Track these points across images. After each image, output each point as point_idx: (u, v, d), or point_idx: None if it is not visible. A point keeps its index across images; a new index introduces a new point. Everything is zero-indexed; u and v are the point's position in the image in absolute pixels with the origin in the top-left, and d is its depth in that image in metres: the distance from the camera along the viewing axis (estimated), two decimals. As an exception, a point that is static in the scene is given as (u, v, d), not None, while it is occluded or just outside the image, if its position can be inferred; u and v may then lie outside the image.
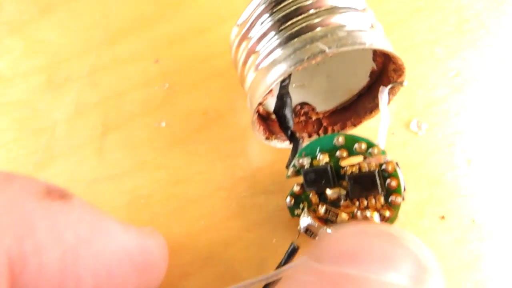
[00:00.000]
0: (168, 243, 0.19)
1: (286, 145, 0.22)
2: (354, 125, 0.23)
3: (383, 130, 0.19)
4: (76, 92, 0.26)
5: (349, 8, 0.19)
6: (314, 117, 0.24)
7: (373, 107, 0.23)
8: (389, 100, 0.22)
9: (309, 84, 0.24)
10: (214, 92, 0.25)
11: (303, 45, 0.18)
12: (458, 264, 0.22)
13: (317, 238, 0.19)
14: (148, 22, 0.28)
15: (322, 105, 0.24)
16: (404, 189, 0.20)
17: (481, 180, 0.23)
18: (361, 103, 0.23)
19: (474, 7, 0.28)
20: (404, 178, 0.23)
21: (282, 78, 0.18)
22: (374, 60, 0.22)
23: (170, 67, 0.26)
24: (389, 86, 0.21)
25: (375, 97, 0.23)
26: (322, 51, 0.17)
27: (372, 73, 0.23)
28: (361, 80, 0.23)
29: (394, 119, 0.24)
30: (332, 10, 0.19)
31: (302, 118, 0.24)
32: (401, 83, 0.21)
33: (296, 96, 0.23)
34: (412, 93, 0.25)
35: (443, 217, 0.22)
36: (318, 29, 0.18)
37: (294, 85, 0.23)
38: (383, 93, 0.20)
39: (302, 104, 0.24)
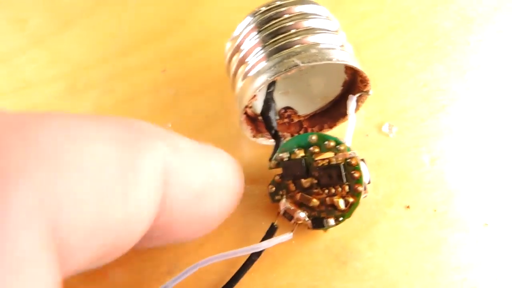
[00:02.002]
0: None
1: (271, 142, 0.25)
2: (330, 127, 0.27)
3: (350, 131, 0.23)
4: (94, 97, 0.29)
5: (323, 29, 0.23)
6: (296, 120, 0.27)
7: (346, 112, 0.26)
8: (358, 106, 0.25)
9: (292, 91, 0.27)
10: (214, 97, 0.29)
11: (281, 60, 0.22)
12: (420, 247, 0.24)
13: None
14: (156, 36, 0.31)
15: (303, 110, 0.27)
16: (369, 182, 0.23)
17: (442, 176, 0.26)
18: (336, 109, 0.27)
19: (444, 25, 0.31)
20: (376, 173, 0.26)
21: (264, 86, 0.22)
22: (345, 72, 0.25)
23: (176, 75, 0.30)
24: (357, 95, 0.24)
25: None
26: (296, 65, 0.21)
27: (344, 83, 0.26)
28: (336, 89, 0.26)
29: (368, 123, 0.27)
30: (309, 30, 0.22)
31: (286, 120, 0.27)
32: (367, 92, 0.24)
33: (281, 101, 0.27)
34: (385, 100, 0.28)
35: (408, 207, 0.25)
36: (297, 46, 0.22)
37: (280, 92, 0.27)
38: (351, 101, 0.24)
39: (286, 108, 0.27)
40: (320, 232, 0.24)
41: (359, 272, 0.24)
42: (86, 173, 0.13)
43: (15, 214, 0.11)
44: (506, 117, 0.28)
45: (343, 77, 0.26)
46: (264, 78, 0.22)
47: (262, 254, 0.23)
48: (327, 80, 0.27)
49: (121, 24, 0.32)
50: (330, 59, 0.22)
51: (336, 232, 0.25)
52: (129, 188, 0.14)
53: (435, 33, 0.31)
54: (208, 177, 0.17)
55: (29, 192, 0.11)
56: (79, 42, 0.31)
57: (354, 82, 0.25)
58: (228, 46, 0.25)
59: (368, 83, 0.24)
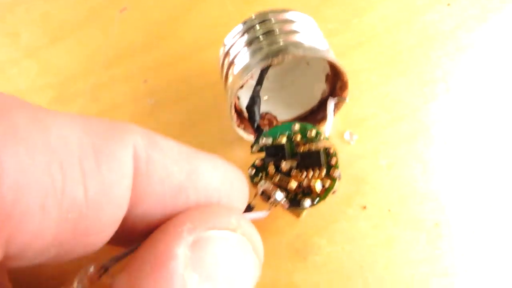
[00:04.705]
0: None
1: (250, 138, 0.29)
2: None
3: (328, 126, 0.26)
4: (80, 105, 0.33)
5: (309, 33, 0.26)
6: (274, 123, 0.30)
7: (321, 118, 0.30)
8: (334, 113, 0.28)
9: (273, 98, 0.31)
10: (190, 107, 0.32)
11: (268, 52, 0.25)
12: (375, 243, 0.27)
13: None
14: (139, 50, 0.35)
15: (283, 115, 0.31)
16: (339, 178, 0.25)
17: (398, 180, 0.29)
18: (313, 117, 0.30)
19: (407, 42, 0.34)
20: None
21: (249, 76, 0.25)
22: (326, 81, 0.29)
23: (156, 86, 0.33)
24: (336, 98, 0.28)
25: (323, 111, 0.29)
26: (280, 51, 0.24)
27: (323, 93, 0.29)
28: (315, 98, 0.30)
29: (331, 131, 0.30)
30: (295, 32, 0.25)
31: (265, 123, 0.30)
32: (344, 99, 0.28)
33: (263, 107, 0.30)
34: (348, 110, 0.31)
35: (365, 207, 0.28)
36: (281, 42, 0.25)
37: (263, 99, 0.30)
38: (331, 102, 0.27)
39: (267, 112, 0.30)
40: (284, 227, 0.28)
41: (318, 266, 0.27)
42: (47, 150, 0.14)
43: None
44: (460, 128, 0.31)
45: (322, 87, 0.29)
46: (252, 68, 0.25)
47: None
48: (307, 88, 0.30)
49: (107, 38, 0.36)
50: (317, 55, 0.25)
51: (298, 229, 0.28)
52: (94, 169, 0.14)
53: (398, 49, 0.34)
54: (190, 174, 0.17)
55: None
56: (68, 54, 0.35)
57: (333, 90, 0.29)
58: (221, 52, 0.28)
59: (347, 88, 0.27)
